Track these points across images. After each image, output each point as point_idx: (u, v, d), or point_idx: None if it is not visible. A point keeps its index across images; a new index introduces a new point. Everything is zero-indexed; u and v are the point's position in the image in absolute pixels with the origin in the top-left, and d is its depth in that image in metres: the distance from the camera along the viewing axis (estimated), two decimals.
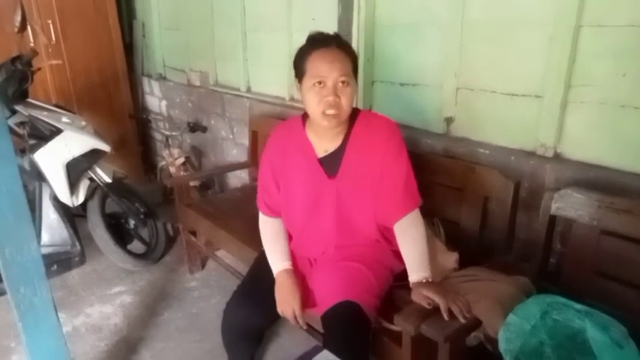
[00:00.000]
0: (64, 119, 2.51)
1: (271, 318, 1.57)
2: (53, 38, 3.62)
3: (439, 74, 2.00)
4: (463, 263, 1.60)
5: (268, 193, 1.63)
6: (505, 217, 1.66)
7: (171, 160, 3.42)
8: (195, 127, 3.32)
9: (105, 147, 2.60)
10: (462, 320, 1.25)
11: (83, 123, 2.59)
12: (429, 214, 1.71)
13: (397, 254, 1.52)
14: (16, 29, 2.39)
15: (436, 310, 1.28)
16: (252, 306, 1.55)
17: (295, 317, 1.48)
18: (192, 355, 2.11)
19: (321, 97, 1.39)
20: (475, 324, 1.30)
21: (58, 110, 2.57)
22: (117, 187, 2.74)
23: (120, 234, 2.75)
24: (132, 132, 4.21)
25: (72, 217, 2.60)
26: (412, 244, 1.46)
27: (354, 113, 1.52)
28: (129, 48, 4.30)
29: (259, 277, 1.62)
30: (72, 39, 3.72)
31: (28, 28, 2.63)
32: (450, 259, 1.62)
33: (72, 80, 3.78)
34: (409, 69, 2.13)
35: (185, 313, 2.41)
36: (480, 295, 1.33)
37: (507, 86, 1.80)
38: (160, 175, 3.79)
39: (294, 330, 1.78)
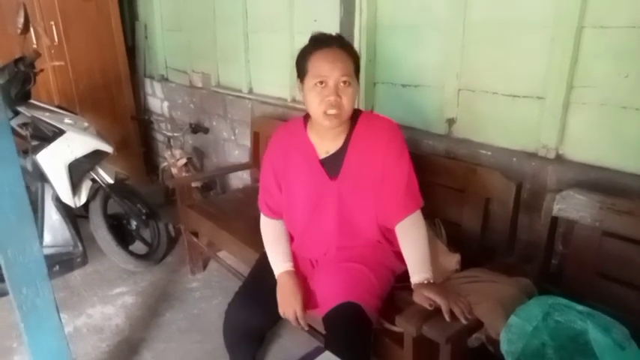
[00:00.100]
0: (67, 120, 2.52)
1: (273, 319, 1.58)
2: (56, 40, 3.63)
3: (441, 75, 2.00)
4: (464, 264, 1.60)
5: (270, 195, 1.63)
6: (507, 219, 1.66)
7: (173, 161, 3.42)
8: (197, 129, 3.32)
9: (107, 148, 2.61)
10: (464, 321, 1.25)
11: (85, 124, 2.60)
12: (431, 215, 1.71)
13: (399, 255, 1.52)
14: (18, 31, 2.39)
15: (438, 311, 1.28)
16: (254, 307, 1.55)
17: (297, 318, 1.48)
18: (193, 356, 2.11)
19: (322, 97, 1.40)
20: (477, 325, 1.29)
21: (61, 111, 2.58)
22: (119, 188, 2.74)
23: (122, 235, 2.76)
24: (134, 133, 4.22)
25: (74, 217, 2.60)
26: (414, 245, 1.46)
27: (356, 114, 1.53)
28: (131, 49, 4.31)
29: (261, 279, 1.62)
30: (74, 40, 3.73)
31: (31, 29, 2.62)
32: (452, 260, 1.62)
33: (74, 81, 3.79)
34: (411, 70, 2.13)
35: (187, 313, 2.42)
36: (482, 296, 1.33)
37: (509, 87, 1.80)
38: (161, 176, 3.79)
39: (295, 331, 1.78)
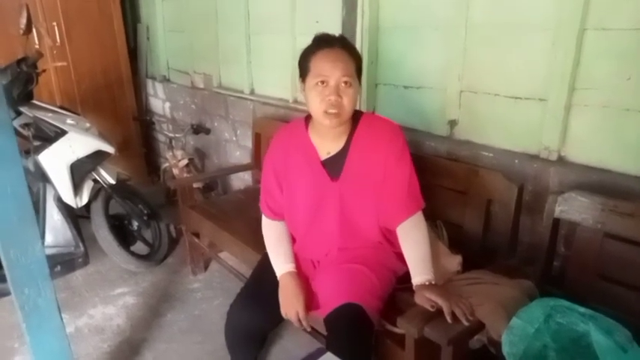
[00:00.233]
0: (69, 121, 2.52)
1: (274, 320, 1.58)
2: (58, 40, 3.64)
3: (443, 77, 2.00)
4: (466, 266, 1.60)
5: (271, 196, 1.63)
6: (508, 220, 1.66)
7: (175, 161, 3.43)
8: (198, 129, 3.33)
9: (109, 148, 2.61)
10: (466, 323, 1.25)
11: (87, 125, 2.60)
12: (432, 217, 1.71)
13: (400, 256, 1.51)
14: (21, 31, 2.40)
15: (439, 312, 1.28)
16: (256, 308, 1.55)
17: (299, 319, 1.48)
18: (194, 357, 2.11)
19: (323, 97, 1.40)
20: (478, 327, 1.29)
21: (63, 112, 2.58)
22: (120, 189, 2.75)
23: (123, 235, 2.76)
24: (135, 134, 4.22)
25: (76, 218, 2.60)
26: (415, 246, 1.46)
27: (357, 115, 1.53)
28: (133, 51, 4.32)
29: (262, 280, 1.61)
30: (77, 41, 3.74)
31: (34, 30, 2.63)
32: (453, 261, 1.61)
33: (76, 82, 3.80)
34: (413, 72, 2.13)
35: (188, 314, 2.42)
36: (484, 298, 1.33)
37: (511, 89, 1.80)
38: (163, 176, 3.80)
39: (297, 332, 1.78)
